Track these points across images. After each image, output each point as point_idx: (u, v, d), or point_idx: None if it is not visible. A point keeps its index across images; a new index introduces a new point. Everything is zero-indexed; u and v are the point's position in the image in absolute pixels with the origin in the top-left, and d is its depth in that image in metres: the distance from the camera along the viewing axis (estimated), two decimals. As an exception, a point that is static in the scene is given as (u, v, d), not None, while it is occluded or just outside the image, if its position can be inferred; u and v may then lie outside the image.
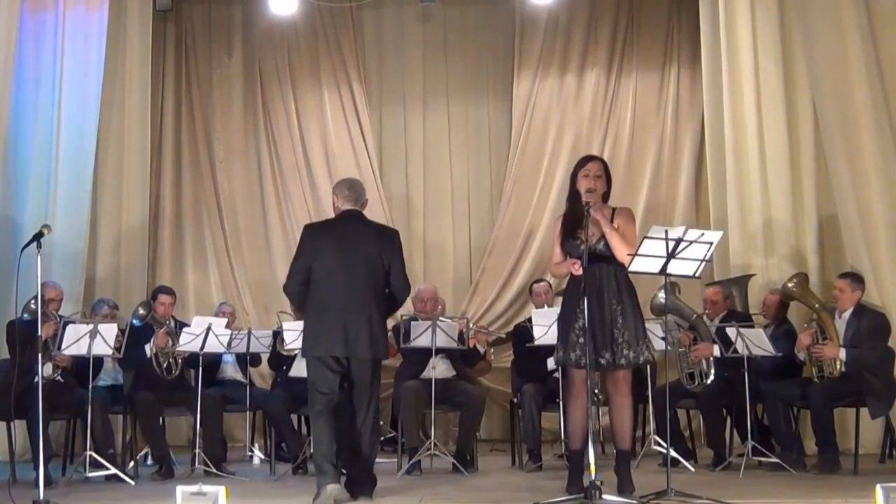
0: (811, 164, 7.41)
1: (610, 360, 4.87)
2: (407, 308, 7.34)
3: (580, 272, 4.81)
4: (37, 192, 7.34)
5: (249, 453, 7.19)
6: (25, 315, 5.90)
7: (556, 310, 5.72)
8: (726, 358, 6.15)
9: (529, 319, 6.61)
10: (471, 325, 6.90)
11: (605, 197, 5.09)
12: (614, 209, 5.06)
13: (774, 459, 5.98)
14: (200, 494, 4.12)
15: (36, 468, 4.95)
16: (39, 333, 5.16)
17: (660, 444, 6.21)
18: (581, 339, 4.85)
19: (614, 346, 4.87)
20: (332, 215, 5.45)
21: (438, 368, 6.42)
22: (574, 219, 4.98)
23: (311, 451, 5.50)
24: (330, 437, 5.03)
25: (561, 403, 6.17)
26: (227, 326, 6.50)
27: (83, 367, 5.99)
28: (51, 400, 5.65)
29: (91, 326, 5.95)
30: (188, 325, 6.39)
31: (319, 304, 5.12)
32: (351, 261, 5.11)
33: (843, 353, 6.01)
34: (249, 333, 6.69)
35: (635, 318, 4.93)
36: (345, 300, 5.06)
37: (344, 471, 5.09)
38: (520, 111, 8.69)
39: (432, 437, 6.16)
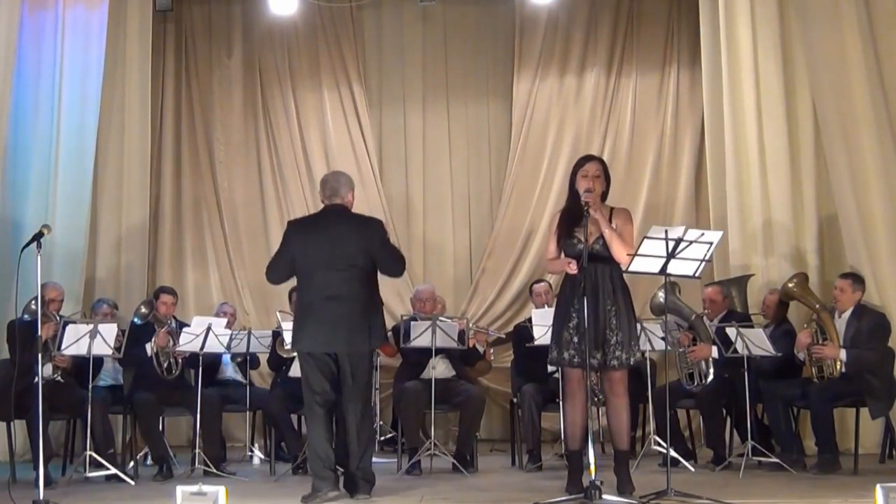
0: (811, 164, 7.40)
1: (601, 360, 4.87)
2: (407, 308, 7.36)
3: (575, 271, 4.81)
4: (37, 192, 7.33)
5: (249, 453, 7.19)
6: (25, 315, 5.90)
7: (556, 310, 5.72)
8: (726, 358, 6.15)
9: (529, 319, 6.61)
10: (470, 325, 6.90)
11: (604, 196, 5.09)
12: (612, 209, 5.06)
13: (774, 459, 5.98)
14: (200, 494, 4.12)
15: (36, 468, 4.95)
16: (39, 333, 5.17)
17: (660, 444, 6.21)
18: (575, 339, 4.86)
19: (606, 346, 4.87)
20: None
21: (438, 368, 6.42)
22: (572, 217, 4.98)
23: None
24: (327, 440, 5.03)
25: (560, 404, 6.17)
26: (228, 326, 6.50)
27: (83, 367, 5.99)
28: (51, 400, 5.66)
29: (91, 326, 5.95)
30: (188, 325, 6.39)
31: (304, 299, 5.14)
32: (334, 255, 5.09)
33: (843, 354, 6.01)
34: (249, 334, 6.70)
35: (629, 320, 4.94)
36: (328, 295, 5.05)
37: (341, 469, 5.09)
38: (520, 111, 8.68)
39: (432, 437, 6.17)
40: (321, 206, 8.34)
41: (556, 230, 5.07)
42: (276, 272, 5.28)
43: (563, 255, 5.01)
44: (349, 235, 5.16)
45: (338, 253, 5.10)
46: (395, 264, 5.27)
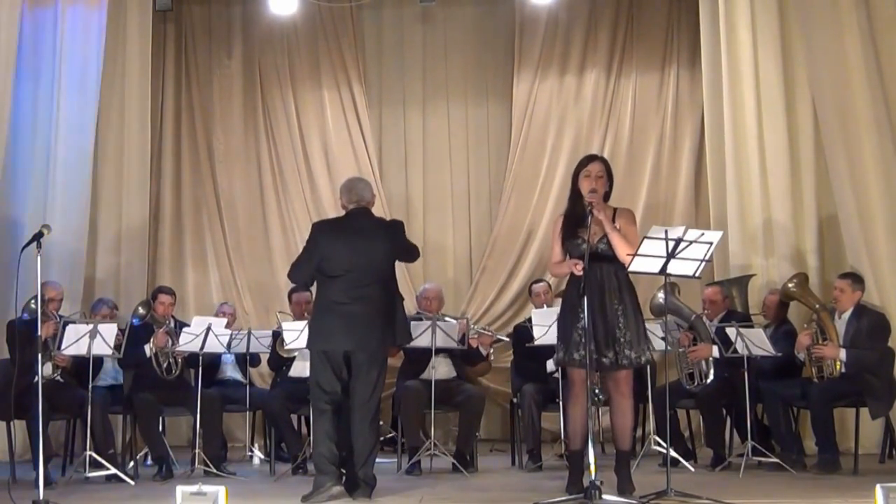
0: (811, 164, 7.40)
1: (613, 359, 4.87)
2: (409, 307, 7.36)
3: (581, 272, 4.80)
4: (37, 192, 7.33)
5: (249, 453, 7.19)
6: (25, 315, 5.90)
7: (556, 310, 5.71)
8: (726, 358, 6.15)
9: (529, 319, 6.61)
10: (475, 326, 6.89)
11: (606, 197, 5.08)
12: (615, 210, 5.05)
13: (774, 459, 5.99)
14: (200, 494, 4.12)
15: (36, 468, 4.95)
16: (39, 333, 5.17)
17: (660, 444, 6.21)
18: (584, 339, 4.85)
19: (616, 346, 4.87)
20: (332, 215, 5.48)
21: (440, 369, 6.42)
22: (575, 218, 4.98)
23: (311, 449, 5.51)
24: (332, 438, 5.06)
25: (561, 403, 6.18)
26: (228, 327, 6.50)
27: (83, 367, 5.99)
28: (51, 400, 5.66)
29: (91, 326, 5.95)
30: (188, 325, 6.39)
31: (330, 299, 5.17)
32: (360, 257, 5.16)
33: (843, 354, 6.01)
34: (249, 333, 6.70)
35: (636, 319, 4.94)
36: (353, 296, 5.11)
37: (343, 470, 5.10)
38: (520, 111, 8.68)
39: (432, 437, 6.17)
40: (322, 205, 8.48)
41: (560, 232, 5.07)
42: (301, 272, 5.34)
43: (568, 256, 5.01)
44: (376, 238, 5.25)
45: (365, 255, 5.17)
46: (413, 252, 5.47)
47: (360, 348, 5.11)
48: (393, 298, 5.31)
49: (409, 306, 7.38)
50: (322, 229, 5.35)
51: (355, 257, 5.15)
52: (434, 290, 6.92)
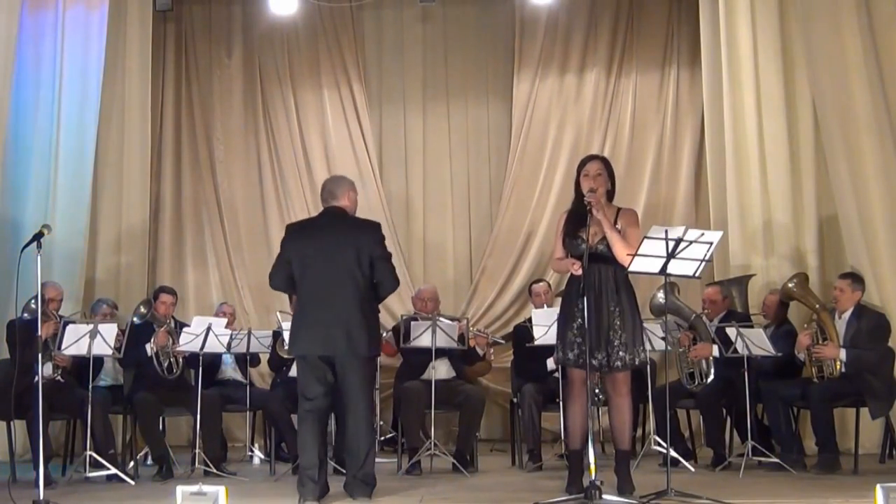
0: (811, 164, 7.40)
1: (604, 361, 4.87)
2: (407, 308, 7.36)
3: (580, 272, 4.81)
4: (37, 192, 7.33)
5: (249, 453, 7.19)
6: (25, 315, 5.90)
7: (556, 310, 5.71)
8: (726, 358, 6.15)
9: (529, 319, 6.61)
10: (471, 327, 6.89)
11: (610, 195, 5.09)
12: (619, 210, 5.06)
13: (774, 459, 5.99)
14: (200, 494, 4.12)
15: (36, 468, 4.96)
16: (39, 333, 5.16)
17: (660, 444, 6.21)
18: (579, 339, 4.86)
19: (609, 348, 4.87)
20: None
21: (440, 370, 6.41)
22: (578, 217, 4.99)
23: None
24: (312, 446, 4.97)
25: (561, 403, 6.18)
26: (228, 326, 6.50)
27: (83, 367, 5.99)
28: (51, 400, 5.66)
29: (91, 326, 5.95)
30: (188, 325, 6.39)
31: (301, 302, 5.13)
32: (330, 258, 5.04)
33: (843, 354, 6.01)
34: (249, 333, 6.70)
35: (633, 321, 4.94)
36: (324, 298, 5.01)
37: (343, 471, 5.08)
38: (520, 111, 8.68)
39: (432, 437, 6.16)
40: (321, 205, 8.45)
41: (562, 230, 5.07)
42: (276, 278, 5.22)
43: (568, 255, 5.01)
44: (345, 238, 5.09)
45: (334, 256, 5.04)
46: (390, 279, 5.13)
47: (333, 354, 4.99)
48: (368, 303, 5.08)
49: (406, 308, 7.41)
50: (290, 231, 5.29)
51: (324, 257, 5.02)
52: (429, 290, 6.92)
